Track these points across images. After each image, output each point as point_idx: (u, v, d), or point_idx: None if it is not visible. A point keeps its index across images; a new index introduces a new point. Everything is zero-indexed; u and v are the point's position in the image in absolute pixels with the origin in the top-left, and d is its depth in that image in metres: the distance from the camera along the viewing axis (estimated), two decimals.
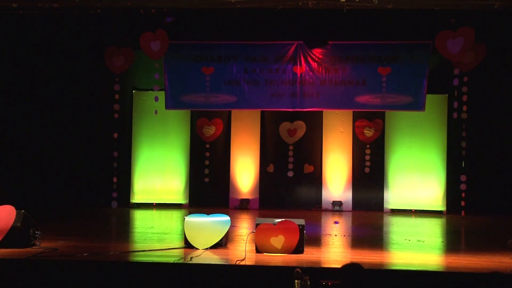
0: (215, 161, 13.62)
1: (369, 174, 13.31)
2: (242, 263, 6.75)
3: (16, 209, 7.66)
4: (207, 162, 13.56)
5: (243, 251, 7.25)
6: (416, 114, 12.85)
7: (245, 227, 10.36)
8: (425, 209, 12.96)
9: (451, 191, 12.80)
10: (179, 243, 7.92)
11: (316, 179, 13.46)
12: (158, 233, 9.44)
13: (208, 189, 13.52)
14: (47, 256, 6.92)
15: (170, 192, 13.46)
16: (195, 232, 7.78)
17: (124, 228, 11.12)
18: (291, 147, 13.53)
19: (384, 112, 13.19)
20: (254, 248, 7.48)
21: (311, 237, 8.28)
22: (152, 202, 13.34)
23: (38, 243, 7.62)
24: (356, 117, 13.37)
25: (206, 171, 13.54)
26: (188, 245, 7.71)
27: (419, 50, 12.49)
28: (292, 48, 12.78)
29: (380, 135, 13.33)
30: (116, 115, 12.88)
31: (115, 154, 12.88)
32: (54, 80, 12.89)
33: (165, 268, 6.63)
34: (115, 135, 12.86)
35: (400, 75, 12.59)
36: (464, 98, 12.23)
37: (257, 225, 7.56)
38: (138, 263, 6.80)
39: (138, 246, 7.82)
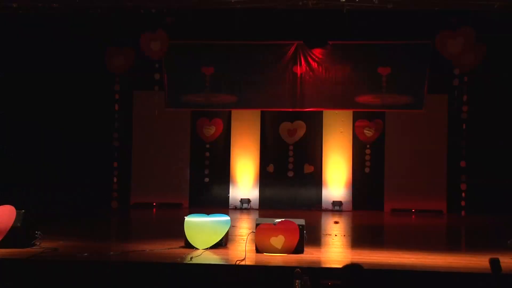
0: (215, 161, 13.62)
1: (369, 174, 13.30)
2: (242, 263, 6.75)
3: (16, 209, 7.66)
4: (207, 162, 13.56)
5: (243, 251, 7.24)
6: (416, 114, 12.85)
7: (245, 227, 10.36)
8: (425, 209, 12.95)
9: (451, 191, 12.80)
10: (179, 243, 7.92)
11: (316, 179, 13.45)
12: (158, 233, 9.44)
13: (208, 189, 13.52)
14: (47, 256, 6.92)
15: (170, 192, 13.45)
16: (195, 232, 7.77)
17: (124, 228, 11.12)
18: (291, 147, 13.53)
19: (384, 112, 13.19)
20: (254, 248, 7.47)
21: (311, 237, 8.27)
22: (152, 202, 13.34)
23: (38, 243, 7.61)
24: (356, 117, 13.37)
25: (206, 171, 13.54)
26: (188, 245, 7.70)
27: (419, 50, 12.49)
28: (292, 48, 12.78)
29: (380, 135, 13.33)
30: (116, 115, 12.88)
31: (115, 154, 12.88)
32: (54, 80, 12.87)
33: (165, 268, 6.62)
34: (115, 135, 12.86)
35: (400, 75, 12.60)
36: (464, 98, 12.23)
37: (257, 225, 7.55)
38: (138, 263, 6.79)
39: (138, 246, 7.81)
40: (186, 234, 7.77)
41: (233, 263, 6.74)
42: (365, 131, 13.35)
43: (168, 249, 7.59)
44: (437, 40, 11.71)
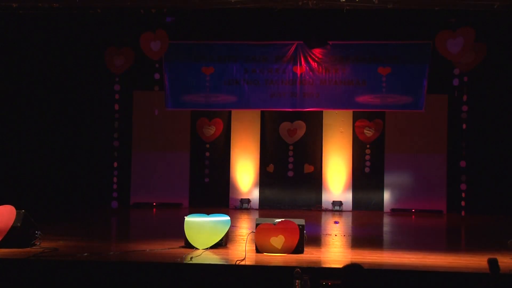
0: (215, 161, 13.61)
1: (369, 174, 13.29)
2: (242, 263, 6.76)
3: (16, 209, 7.66)
4: (207, 162, 13.56)
5: (243, 251, 7.25)
6: (416, 114, 12.85)
7: (245, 227, 10.36)
8: (425, 209, 12.95)
9: (451, 191, 12.80)
10: (179, 243, 7.93)
11: (316, 179, 13.44)
12: (158, 233, 9.44)
13: (208, 189, 13.51)
14: (47, 256, 6.92)
15: (170, 192, 13.44)
16: (195, 232, 7.78)
17: (124, 228, 11.12)
18: (291, 147, 13.52)
19: (384, 112, 13.18)
20: (254, 248, 7.48)
21: (311, 237, 8.28)
22: (152, 202, 13.33)
23: (38, 243, 7.62)
24: (356, 117, 13.37)
25: (206, 171, 13.53)
26: (188, 245, 7.71)
27: (419, 50, 12.49)
28: (292, 48, 12.78)
29: (380, 135, 13.32)
30: (116, 115, 12.88)
31: (115, 154, 12.87)
32: (54, 80, 12.89)
33: (165, 268, 6.63)
34: (115, 135, 12.86)
35: (400, 75, 12.60)
36: (464, 98, 12.23)
37: (257, 225, 7.56)
38: (138, 263, 6.80)
39: (138, 246, 7.81)
40: (186, 234, 7.77)
41: (233, 263, 6.74)
42: (365, 131, 13.35)
43: (168, 249, 7.59)
44: (437, 40, 11.71)
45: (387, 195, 13.18)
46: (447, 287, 6.34)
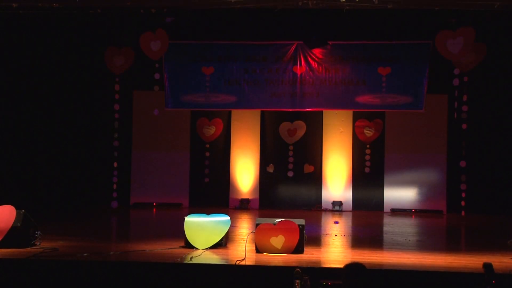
0: (215, 161, 13.62)
1: (369, 174, 13.30)
2: (242, 263, 6.75)
3: (16, 209, 7.66)
4: (207, 162, 13.56)
5: (243, 251, 7.24)
6: (416, 114, 12.85)
7: (245, 227, 10.36)
8: (425, 209, 12.96)
9: (451, 191, 12.80)
10: (179, 243, 7.92)
11: (316, 179, 13.45)
12: (158, 233, 9.44)
13: (208, 189, 13.51)
14: (47, 256, 6.92)
15: (170, 192, 13.45)
16: (195, 232, 7.78)
17: (124, 228, 11.11)
18: (291, 147, 13.53)
19: (384, 112, 13.19)
20: (254, 248, 7.48)
21: (311, 237, 8.28)
22: (152, 202, 13.34)
23: (38, 243, 7.62)
24: (356, 117, 13.38)
25: (206, 171, 13.53)
26: (188, 245, 7.71)
27: (419, 50, 12.50)
28: (292, 48, 12.79)
29: (380, 135, 13.32)
30: (116, 115, 12.88)
31: (115, 154, 12.87)
32: (54, 80, 12.89)
33: (165, 268, 6.63)
34: (115, 135, 12.86)
35: (400, 75, 12.61)
36: (464, 98, 12.23)
37: (257, 225, 7.56)
38: (138, 263, 6.80)
39: (138, 246, 7.81)
40: (186, 234, 7.77)
41: (233, 263, 6.74)
42: (365, 131, 13.35)
43: (168, 249, 7.59)
44: (437, 40, 11.72)
45: (387, 195, 13.18)
46: (447, 287, 6.34)
